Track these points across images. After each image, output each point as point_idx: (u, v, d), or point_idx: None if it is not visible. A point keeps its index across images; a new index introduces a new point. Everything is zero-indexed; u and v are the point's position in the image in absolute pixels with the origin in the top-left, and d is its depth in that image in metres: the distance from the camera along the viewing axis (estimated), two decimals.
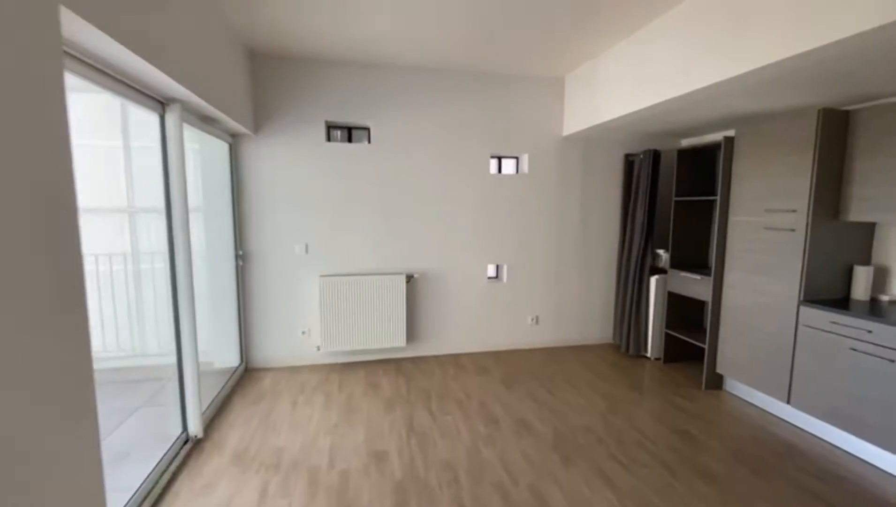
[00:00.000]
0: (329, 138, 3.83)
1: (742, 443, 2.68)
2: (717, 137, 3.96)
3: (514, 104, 4.08)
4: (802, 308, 2.76)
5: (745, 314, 3.16)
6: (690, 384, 3.55)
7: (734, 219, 3.26)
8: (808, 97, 2.70)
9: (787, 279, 2.86)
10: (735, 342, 3.26)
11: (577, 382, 3.59)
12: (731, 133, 3.36)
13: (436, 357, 4.13)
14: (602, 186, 4.43)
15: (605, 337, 4.60)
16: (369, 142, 3.86)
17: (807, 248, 2.75)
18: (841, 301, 2.76)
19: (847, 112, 2.67)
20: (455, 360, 4.06)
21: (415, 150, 3.92)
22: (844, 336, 2.52)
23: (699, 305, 4.05)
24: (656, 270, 4.17)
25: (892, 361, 2.30)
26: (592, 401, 3.25)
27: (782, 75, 2.26)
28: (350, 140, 3.93)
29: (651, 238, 4.06)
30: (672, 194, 3.88)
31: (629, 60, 3.15)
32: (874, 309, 2.56)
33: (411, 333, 4.09)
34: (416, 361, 4.03)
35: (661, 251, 4.16)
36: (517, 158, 4.34)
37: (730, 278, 3.30)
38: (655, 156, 3.96)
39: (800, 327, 2.78)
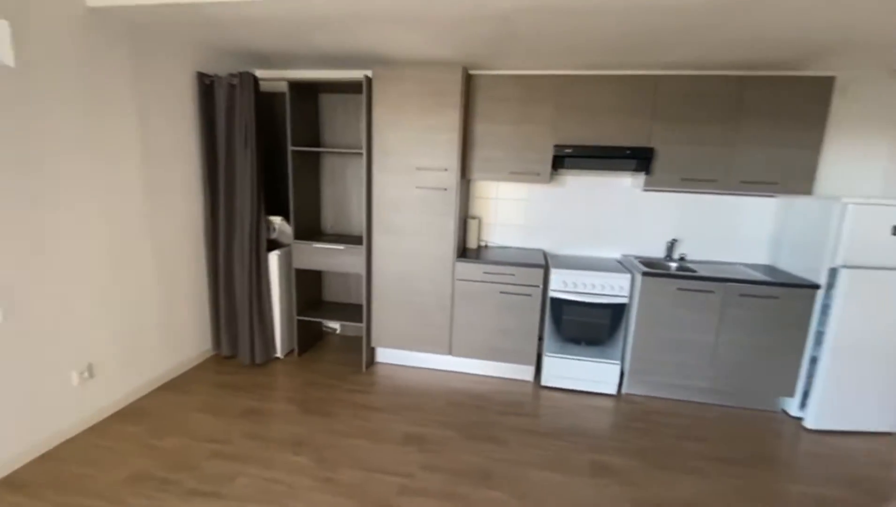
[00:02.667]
0: None
1: (433, 404, 2.58)
2: (356, 74, 3.34)
3: None
4: (458, 264, 2.89)
5: (401, 279, 2.98)
6: (349, 372, 3.04)
7: (381, 177, 2.88)
8: (446, 50, 2.62)
9: (442, 238, 2.88)
10: (392, 311, 3.03)
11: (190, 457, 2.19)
12: (370, 73, 2.84)
13: None
14: (176, 123, 2.72)
15: (206, 350, 3.12)
16: None
17: (458, 206, 2.84)
18: (473, 251, 3.12)
19: (471, 75, 2.86)
20: None
21: None
22: (495, 282, 2.87)
23: (339, 279, 3.51)
24: (271, 244, 3.16)
25: (529, 295, 2.84)
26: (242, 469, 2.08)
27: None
28: None
29: (262, 203, 2.96)
30: (288, 143, 2.94)
31: None
32: (500, 255, 3.05)
33: None
34: None
35: (275, 219, 3.15)
36: None
37: (381, 242, 2.96)
38: (255, 83, 2.79)
39: (456, 281, 2.91)
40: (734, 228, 3.06)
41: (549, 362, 2.88)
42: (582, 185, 3.17)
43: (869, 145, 2.80)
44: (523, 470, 2.12)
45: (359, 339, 3.53)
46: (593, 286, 2.74)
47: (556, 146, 2.80)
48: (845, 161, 2.83)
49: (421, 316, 2.99)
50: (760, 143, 2.66)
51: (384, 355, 3.21)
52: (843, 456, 2.34)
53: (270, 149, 3.19)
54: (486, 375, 3.08)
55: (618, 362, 2.81)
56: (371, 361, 3.16)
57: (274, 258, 3.04)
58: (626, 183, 3.12)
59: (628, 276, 2.72)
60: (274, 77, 3.03)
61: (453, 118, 2.72)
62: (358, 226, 3.44)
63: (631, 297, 2.75)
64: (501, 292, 2.87)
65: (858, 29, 2.01)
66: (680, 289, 2.66)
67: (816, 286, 2.51)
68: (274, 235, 3.18)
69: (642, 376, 2.81)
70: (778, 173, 2.68)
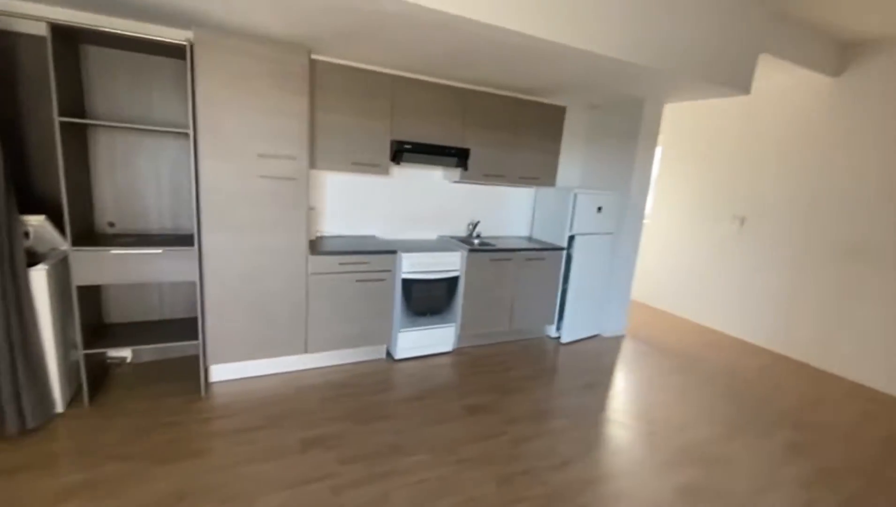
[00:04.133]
0: None
1: (308, 406, 2.56)
2: (170, 33, 2.42)
3: None
4: (312, 258, 2.79)
5: (244, 282, 2.63)
6: (184, 401, 2.50)
7: (212, 164, 2.42)
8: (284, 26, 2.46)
9: (292, 233, 2.70)
10: (234, 320, 2.65)
11: None
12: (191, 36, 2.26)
13: None
14: None
15: None
16: None
17: (308, 197, 2.72)
18: (314, 243, 3.03)
19: (313, 60, 2.72)
20: None
21: None
22: (350, 272, 2.93)
23: (132, 292, 2.65)
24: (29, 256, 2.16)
25: (384, 280, 3.05)
26: None
27: None
28: None
29: (11, 198, 2.01)
30: (54, 112, 2.07)
31: None
32: (350, 245, 3.09)
33: None
34: None
35: (32, 219, 2.16)
36: None
37: (216, 241, 2.51)
38: None
39: (310, 277, 2.81)
40: (509, 211, 4.12)
41: (402, 337, 3.21)
42: (404, 176, 3.54)
43: (575, 153, 4.30)
44: (422, 430, 2.43)
45: (164, 363, 2.89)
46: (436, 265, 3.21)
47: (396, 141, 3.06)
48: (567, 163, 4.25)
49: (270, 320, 2.75)
50: (530, 149, 3.68)
51: (220, 372, 2.77)
52: (582, 354, 3.69)
53: (9, 118, 2.14)
54: (341, 363, 3.14)
55: (453, 324, 3.41)
56: (206, 382, 2.68)
57: (40, 276, 2.12)
58: (438, 175, 3.69)
59: (459, 253, 3.32)
60: (17, 12, 2.03)
61: (301, 104, 2.57)
62: (157, 223, 2.75)
63: (461, 270, 3.37)
64: (358, 281, 2.97)
65: (568, 81, 3.15)
66: (492, 260, 3.45)
67: (563, 248, 3.77)
68: (28, 243, 2.19)
69: (468, 330, 3.51)
70: (539, 171, 3.79)
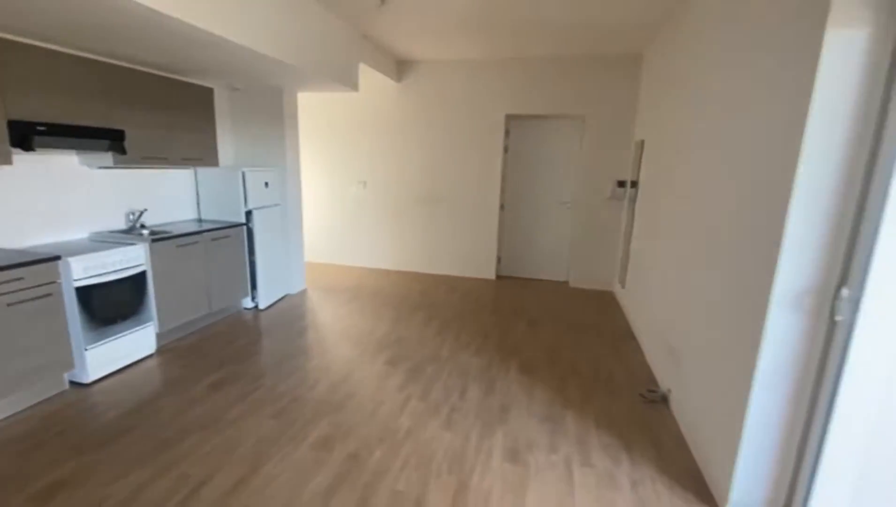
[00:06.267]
0: None
1: None
2: None
3: None
4: None
5: None
6: None
7: None
8: None
9: None
10: None
11: None
12: None
13: None
14: None
15: None
16: None
17: None
18: None
19: None
20: None
21: None
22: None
23: None
24: None
25: (48, 294, 2.47)
26: None
27: None
28: None
29: None
30: None
31: None
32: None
33: None
34: None
35: None
36: None
37: None
38: None
39: None
40: (170, 196, 3.90)
41: (90, 354, 2.72)
42: (27, 166, 2.77)
43: (225, 133, 4.46)
44: (179, 419, 2.42)
45: None
46: (116, 264, 2.84)
47: (19, 122, 2.41)
48: (220, 143, 4.36)
49: None
50: (187, 129, 3.62)
51: None
52: (282, 312, 4.25)
53: None
54: (12, 413, 2.39)
55: (150, 323, 3.15)
56: None
57: None
58: (74, 162, 3.08)
59: (142, 246, 3.04)
60: None
61: None
62: None
63: (146, 263, 3.10)
64: (9, 305, 2.29)
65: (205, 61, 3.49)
66: (178, 246, 3.35)
67: (244, 224, 4.04)
68: None
69: (168, 324, 3.32)
70: (200, 152, 3.80)
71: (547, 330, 3.99)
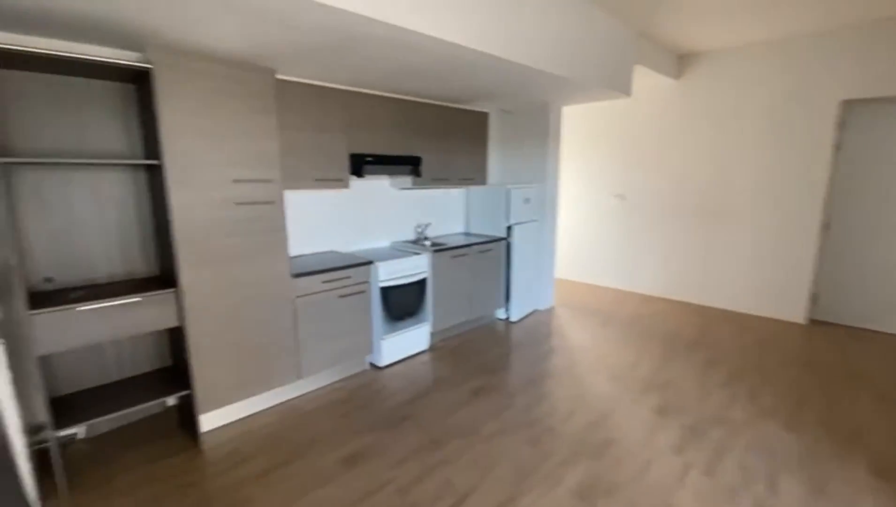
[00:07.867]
0: None
1: (326, 428, 2.55)
2: (120, 54, 1.97)
3: None
4: (296, 280, 2.71)
5: (230, 317, 2.45)
6: (183, 461, 2.25)
7: (184, 195, 2.21)
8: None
9: (275, 257, 2.60)
10: (220, 360, 2.45)
11: None
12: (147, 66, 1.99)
13: None
14: None
15: None
16: None
17: (285, 219, 2.64)
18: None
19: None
20: None
21: None
22: (333, 289, 2.91)
23: (89, 353, 2.20)
24: None
25: (363, 291, 3.09)
26: None
27: None
28: None
29: None
30: None
31: None
32: (327, 262, 3.03)
33: None
34: None
35: None
36: None
37: (197, 277, 2.29)
38: None
39: (297, 299, 2.73)
40: (447, 211, 4.42)
41: (385, 344, 3.28)
42: (359, 189, 3.58)
43: (493, 153, 4.79)
44: (445, 421, 2.60)
45: (128, 430, 2.53)
46: (408, 270, 3.35)
47: (355, 155, 3.11)
48: (492, 163, 4.70)
49: (261, 352, 2.60)
50: (464, 152, 4.02)
51: (208, 420, 2.52)
52: (531, 327, 4.21)
53: None
54: (332, 381, 3.09)
55: (426, 322, 3.59)
56: (194, 434, 2.43)
57: None
58: (386, 184, 3.81)
59: (426, 256, 3.50)
60: None
61: (270, 124, 2.49)
62: (105, 270, 2.38)
63: (428, 271, 3.56)
64: (340, 297, 2.96)
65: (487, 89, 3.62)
66: (452, 257, 3.72)
67: (504, 238, 4.21)
68: None
69: (438, 325, 3.72)
70: (473, 172, 4.16)
71: None
